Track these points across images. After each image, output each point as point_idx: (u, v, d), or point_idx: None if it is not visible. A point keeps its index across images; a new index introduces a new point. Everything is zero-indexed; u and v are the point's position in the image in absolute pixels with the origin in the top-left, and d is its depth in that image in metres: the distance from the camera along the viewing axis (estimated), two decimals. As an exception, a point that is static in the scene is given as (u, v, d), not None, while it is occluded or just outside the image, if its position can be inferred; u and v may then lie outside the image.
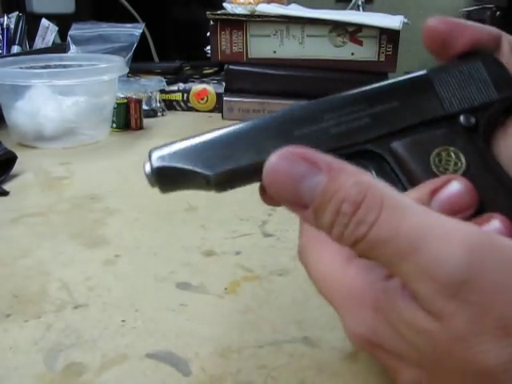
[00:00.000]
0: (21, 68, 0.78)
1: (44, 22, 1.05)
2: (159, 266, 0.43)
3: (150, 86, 0.90)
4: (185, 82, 0.95)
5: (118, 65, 0.79)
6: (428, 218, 0.22)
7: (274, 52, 0.82)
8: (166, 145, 0.28)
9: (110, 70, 0.77)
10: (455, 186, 0.25)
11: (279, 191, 0.23)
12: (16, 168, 0.62)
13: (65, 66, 0.82)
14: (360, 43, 0.79)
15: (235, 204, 0.54)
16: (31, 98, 0.72)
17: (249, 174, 0.27)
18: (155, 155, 0.27)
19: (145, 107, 0.87)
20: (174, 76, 0.97)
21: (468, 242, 0.21)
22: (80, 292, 0.39)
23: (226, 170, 0.27)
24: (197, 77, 0.98)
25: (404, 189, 0.27)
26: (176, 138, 0.28)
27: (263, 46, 0.82)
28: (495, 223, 0.24)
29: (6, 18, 1.01)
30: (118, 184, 0.61)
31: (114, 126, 0.81)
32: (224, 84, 0.87)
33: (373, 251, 0.22)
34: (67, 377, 0.31)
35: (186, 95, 0.93)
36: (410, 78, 0.28)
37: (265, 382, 0.30)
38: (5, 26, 1.00)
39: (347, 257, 0.25)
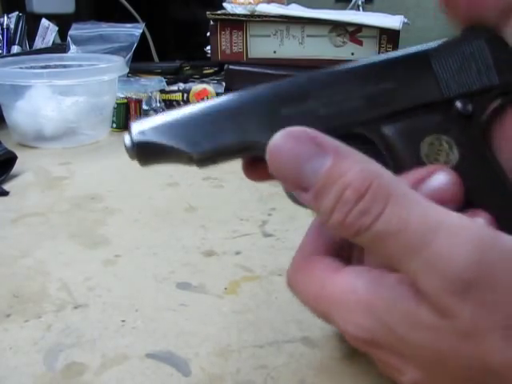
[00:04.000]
0: (21, 68, 0.78)
1: (44, 21, 1.05)
2: (159, 266, 0.43)
3: (150, 86, 0.90)
4: (185, 82, 0.95)
5: (117, 65, 0.79)
6: (437, 213, 0.21)
7: (274, 52, 0.82)
8: (147, 118, 0.27)
9: (110, 70, 0.77)
10: (441, 178, 0.24)
11: (281, 170, 0.23)
12: (16, 168, 0.62)
13: (65, 66, 0.82)
14: (360, 43, 0.79)
15: (235, 204, 0.54)
16: (31, 97, 0.72)
17: (232, 152, 0.26)
18: (135, 129, 0.26)
19: (145, 107, 0.87)
20: (174, 76, 0.97)
21: (479, 240, 0.21)
22: (80, 292, 0.39)
23: (209, 148, 0.26)
24: (197, 77, 0.98)
25: None
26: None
27: (263, 45, 0.82)
28: (479, 221, 0.24)
29: (5, 17, 1.01)
30: (117, 184, 0.61)
31: (114, 126, 0.81)
32: (224, 84, 0.87)
33: (378, 243, 0.21)
34: (67, 377, 0.31)
35: (185, 95, 0.93)
36: (408, 56, 0.27)
37: (264, 381, 0.30)
38: (5, 26, 1.00)
39: (335, 268, 0.25)
